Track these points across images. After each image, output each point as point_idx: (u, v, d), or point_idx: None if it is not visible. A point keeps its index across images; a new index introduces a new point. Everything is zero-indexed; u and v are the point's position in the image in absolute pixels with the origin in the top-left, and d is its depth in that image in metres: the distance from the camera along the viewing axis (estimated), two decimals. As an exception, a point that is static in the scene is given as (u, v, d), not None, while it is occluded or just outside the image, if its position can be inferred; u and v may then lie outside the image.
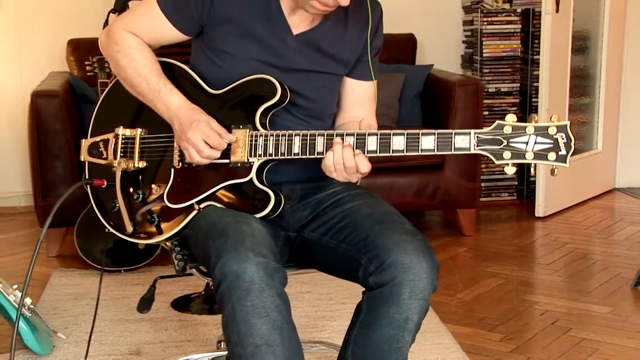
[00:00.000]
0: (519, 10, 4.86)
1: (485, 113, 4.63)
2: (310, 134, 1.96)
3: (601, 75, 5.03)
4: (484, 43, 4.84)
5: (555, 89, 4.58)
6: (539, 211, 4.64)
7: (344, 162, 1.90)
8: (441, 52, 5.08)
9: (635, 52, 5.17)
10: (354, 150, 1.90)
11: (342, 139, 1.91)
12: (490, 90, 4.83)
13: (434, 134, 1.87)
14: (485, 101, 4.57)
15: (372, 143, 1.91)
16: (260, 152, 1.99)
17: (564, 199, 4.79)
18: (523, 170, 4.86)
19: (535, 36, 4.75)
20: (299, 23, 2.09)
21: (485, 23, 4.82)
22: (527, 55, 4.86)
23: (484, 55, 4.85)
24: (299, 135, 1.96)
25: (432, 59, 4.92)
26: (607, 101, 5.06)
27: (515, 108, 4.87)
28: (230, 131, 2.01)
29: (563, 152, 1.80)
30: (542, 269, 3.87)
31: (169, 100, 2.04)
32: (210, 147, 1.98)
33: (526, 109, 4.87)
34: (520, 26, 4.85)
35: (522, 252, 4.12)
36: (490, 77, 4.85)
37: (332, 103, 2.20)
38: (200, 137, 1.97)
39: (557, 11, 4.50)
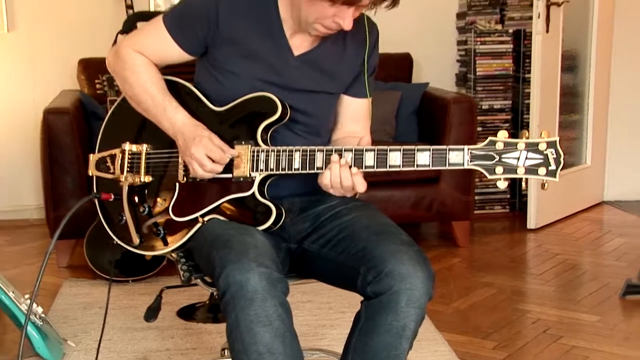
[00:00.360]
0: (510, 30, 4.86)
1: (479, 129, 4.63)
2: (310, 150, 1.95)
3: (589, 93, 5.03)
4: (477, 62, 4.84)
5: (545, 106, 4.58)
6: (531, 223, 4.63)
7: (341, 181, 1.90)
8: (436, 70, 5.08)
9: (622, 70, 5.18)
10: (351, 170, 1.90)
11: (340, 156, 1.91)
12: (483, 107, 4.83)
13: (429, 150, 1.87)
14: (478, 118, 4.56)
15: (369, 158, 1.91)
16: (261, 167, 1.98)
17: (554, 212, 4.79)
18: (515, 184, 4.86)
19: (527, 55, 4.76)
20: (299, 44, 2.09)
21: (478, 43, 4.83)
22: (519, 74, 4.86)
23: (478, 73, 4.85)
24: (299, 150, 1.96)
25: (427, 77, 4.93)
26: (595, 118, 5.06)
27: (507, 124, 4.87)
28: (232, 147, 2.01)
29: (553, 167, 1.80)
30: (533, 279, 3.86)
31: (174, 117, 2.04)
32: (213, 161, 1.98)
33: (518, 125, 4.87)
34: (512, 46, 4.85)
35: (515, 262, 4.11)
36: (484, 94, 4.85)
37: (329, 120, 2.20)
38: (203, 151, 1.97)
39: (547, 32, 4.50)
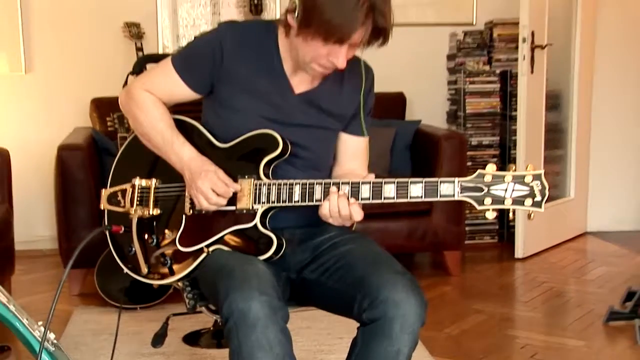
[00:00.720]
0: (497, 71, 4.88)
1: (469, 164, 4.63)
2: (309, 183, 1.95)
3: (572, 129, 5.04)
4: (466, 101, 4.86)
5: (531, 142, 4.59)
6: (519, 253, 4.62)
7: (339, 210, 1.90)
8: (428, 108, 5.08)
9: (602, 108, 5.19)
10: (348, 200, 1.89)
11: (338, 188, 1.91)
12: (473, 143, 4.83)
13: (422, 182, 1.87)
14: (468, 153, 4.56)
15: (365, 191, 1.91)
16: (263, 200, 1.98)
17: (541, 242, 4.77)
18: (503, 216, 4.85)
19: (513, 95, 4.77)
20: (299, 83, 2.10)
21: (467, 83, 4.84)
22: (506, 112, 4.87)
23: (467, 111, 4.86)
24: (299, 184, 1.96)
25: (420, 115, 4.94)
26: (578, 153, 5.07)
27: (495, 159, 4.87)
28: (236, 181, 2.01)
29: (538, 198, 1.81)
30: (522, 305, 3.85)
31: (181, 152, 2.05)
32: (217, 195, 1.98)
33: (506, 160, 4.88)
34: (499, 86, 4.86)
35: (504, 290, 4.10)
36: (473, 131, 4.86)
37: (329, 155, 2.20)
38: (208, 185, 1.97)
39: (532, 72, 4.52)
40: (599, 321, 3.54)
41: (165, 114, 2.12)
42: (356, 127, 2.19)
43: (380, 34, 1.93)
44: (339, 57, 1.94)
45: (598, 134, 5.21)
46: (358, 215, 1.91)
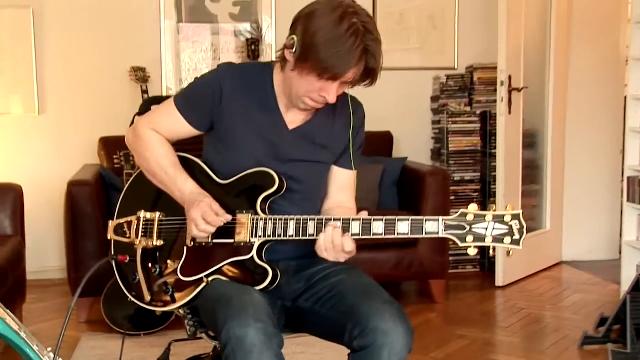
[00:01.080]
0: (478, 112, 4.91)
1: (452, 198, 4.64)
2: (303, 219, 1.96)
3: (547, 166, 5.06)
4: (449, 139, 4.88)
5: (510, 178, 4.60)
6: (499, 281, 4.61)
7: (333, 241, 1.90)
8: (414, 146, 5.10)
9: (574, 146, 5.22)
10: (342, 234, 1.90)
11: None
12: (456, 178, 4.84)
13: (409, 220, 1.87)
14: (451, 188, 4.58)
15: (355, 227, 1.92)
16: (260, 234, 1.99)
17: (519, 271, 4.77)
18: (484, 248, 4.85)
19: (492, 134, 4.79)
20: (293, 119, 2.11)
21: (450, 123, 4.87)
22: (486, 150, 4.89)
23: (450, 149, 4.88)
24: (294, 220, 1.96)
25: (406, 153, 4.96)
26: (553, 188, 5.09)
27: (477, 194, 4.88)
28: (235, 215, 2.01)
29: (517, 236, 1.82)
30: (502, 331, 3.83)
31: (183, 187, 2.06)
32: (206, 222, 1.97)
33: (486, 194, 4.89)
34: (479, 125, 4.88)
35: (485, 316, 4.09)
36: (456, 167, 4.87)
37: (321, 188, 2.20)
38: (199, 214, 1.98)
39: (509, 113, 4.55)
40: (574, 346, 3.53)
41: (170, 152, 2.12)
42: (346, 160, 2.20)
43: (369, 74, 1.95)
44: (331, 93, 1.96)
45: (571, 170, 5.23)
46: (349, 245, 1.91)
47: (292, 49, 1.94)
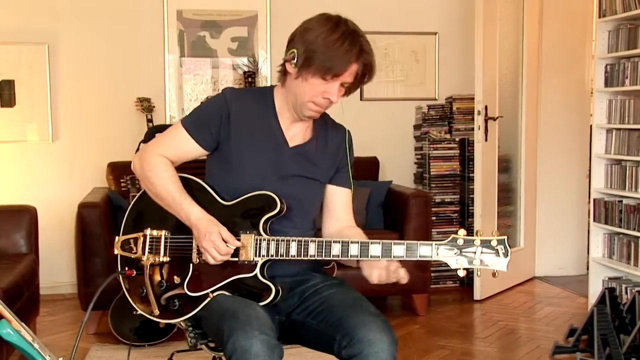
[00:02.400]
0: (457, 139, 4.94)
1: (434, 218, 4.65)
2: (304, 241, 1.96)
3: (521, 188, 5.09)
4: (431, 164, 4.90)
5: (487, 200, 4.63)
6: (477, 295, 4.62)
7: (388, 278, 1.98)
8: (398, 171, 5.12)
9: (545, 170, 5.26)
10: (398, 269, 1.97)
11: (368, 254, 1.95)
12: (437, 200, 4.85)
13: (404, 244, 1.90)
14: (433, 209, 4.59)
15: (354, 249, 1.93)
16: (263, 253, 1.99)
17: (496, 286, 4.78)
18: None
19: (470, 159, 4.82)
20: (293, 137, 2.14)
21: (431, 149, 4.89)
22: (465, 174, 4.91)
23: (432, 173, 4.90)
24: (295, 241, 1.97)
25: (391, 176, 4.98)
26: (526, 209, 5.11)
27: (456, 214, 4.89)
28: (239, 235, 2.01)
29: (502, 259, 1.84)
30: (480, 341, 3.84)
31: (189, 211, 2.04)
32: (221, 254, 1.99)
33: (465, 215, 4.90)
34: (458, 151, 4.91)
35: (464, 328, 4.09)
36: (437, 190, 4.89)
37: (316, 206, 2.21)
38: (212, 247, 1.98)
39: (486, 140, 4.59)
40: (545, 355, 3.54)
41: (174, 176, 2.10)
42: (341, 179, 2.22)
43: (367, 68, 2.02)
44: (333, 93, 2.01)
45: (543, 192, 5.26)
46: (404, 279, 1.98)
47: (294, 60, 2.00)
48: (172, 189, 2.07)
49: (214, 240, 1.98)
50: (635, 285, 3.96)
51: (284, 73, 2.08)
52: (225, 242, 1.99)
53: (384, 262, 1.95)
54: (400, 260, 1.92)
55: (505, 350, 3.68)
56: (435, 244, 1.87)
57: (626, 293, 3.95)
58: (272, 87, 2.17)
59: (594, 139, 4.35)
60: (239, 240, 2.01)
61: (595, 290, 4.19)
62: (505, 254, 1.84)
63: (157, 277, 2.12)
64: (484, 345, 3.75)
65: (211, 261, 1.99)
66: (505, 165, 5.06)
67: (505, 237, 1.86)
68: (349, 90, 2.06)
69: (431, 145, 4.89)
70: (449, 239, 1.87)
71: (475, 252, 1.86)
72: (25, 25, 4.67)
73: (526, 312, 4.39)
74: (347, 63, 1.98)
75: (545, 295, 4.79)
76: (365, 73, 2.03)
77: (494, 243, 1.85)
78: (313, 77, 1.99)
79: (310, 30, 2.00)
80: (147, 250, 2.13)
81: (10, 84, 4.65)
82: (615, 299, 3.58)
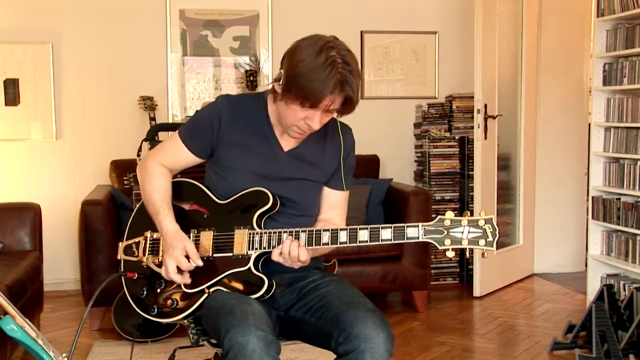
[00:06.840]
0: (457, 137, 4.94)
1: (433, 216, 4.61)
2: (295, 231, 1.98)
3: (520, 186, 5.09)
4: (431, 162, 4.90)
5: (486, 197, 4.63)
6: (476, 292, 4.62)
7: (290, 252, 1.94)
8: (398, 169, 5.14)
9: (544, 168, 5.26)
10: (299, 245, 1.94)
11: (314, 235, 1.95)
12: (437, 198, 4.86)
13: (391, 227, 1.90)
14: (433, 207, 4.58)
15: (343, 236, 1.94)
16: (256, 246, 2.00)
17: (495, 283, 4.78)
18: (463, 260, 4.87)
19: (470, 157, 4.82)
20: (287, 142, 2.13)
21: (431, 147, 4.90)
22: (464, 172, 4.92)
23: (431, 171, 4.91)
24: (286, 232, 1.98)
25: (391, 174, 4.98)
26: (525, 206, 5.11)
27: (456, 212, 4.86)
28: (233, 231, 2.03)
29: (490, 238, 1.84)
30: (479, 338, 3.84)
31: (163, 223, 2.09)
32: (179, 270, 2.03)
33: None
34: (458, 149, 4.91)
35: (464, 324, 4.09)
36: (437, 188, 4.90)
37: (314, 205, 2.21)
38: (173, 262, 2.02)
39: (485, 139, 4.59)
40: (544, 351, 3.54)
41: (163, 186, 2.14)
42: (337, 182, 2.21)
43: (346, 102, 1.95)
44: (314, 120, 1.98)
45: (542, 190, 5.26)
46: (303, 255, 1.95)
47: (280, 81, 1.97)
48: (156, 198, 2.11)
49: (175, 256, 2.01)
50: (633, 282, 3.96)
51: (273, 91, 2.05)
52: (188, 258, 2.02)
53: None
54: (393, 244, 1.90)
55: (505, 347, 3.68)
56: (422, 225, 1.87)
57: (624, 290, 3.96)
58: (265, 93, 2.15)
59: (592, 137, 4.36)
60: (233, 235, 2.02)
61: (593, 287, 4.20)
62: (494, 233, 1.83)
63: (156, 277, 2.13)
64: (484, 342, 3.76)
65: (166, 275, 2.03)
66: (505, 163, 5.07)
67: (493, 216, 1.85)
68: (340, 112, 1.99)
69: (431, 144, 4.89)
70: (436, 220, 1.88)
71: (462, 232, 1.85)
72: (29, 25, 4.68)
73: (525, 308, 4.39)
74: (321, 94, 1.89)
75: (544, 292, 4.79)
76: (344, 107, 1.95)
77: (481, 223, 1.85)
78: (293, 103, 1.95)
79: (297, 52, 1.93)
80: (147, 251, 2.15)
81: (14, 82, 4.66)
82: (614, 295, 3.58)
